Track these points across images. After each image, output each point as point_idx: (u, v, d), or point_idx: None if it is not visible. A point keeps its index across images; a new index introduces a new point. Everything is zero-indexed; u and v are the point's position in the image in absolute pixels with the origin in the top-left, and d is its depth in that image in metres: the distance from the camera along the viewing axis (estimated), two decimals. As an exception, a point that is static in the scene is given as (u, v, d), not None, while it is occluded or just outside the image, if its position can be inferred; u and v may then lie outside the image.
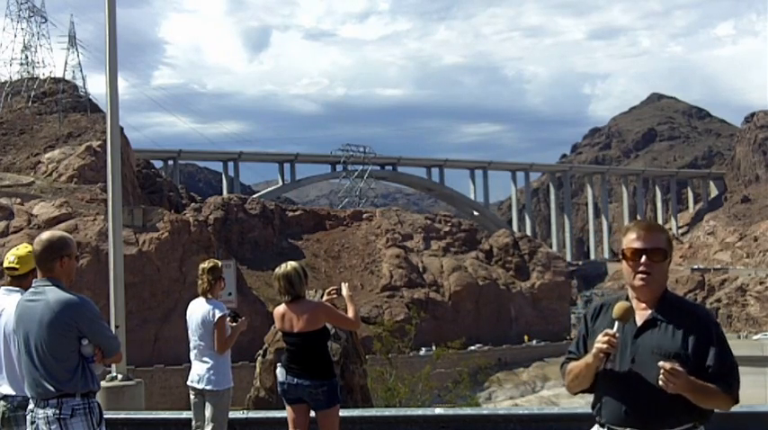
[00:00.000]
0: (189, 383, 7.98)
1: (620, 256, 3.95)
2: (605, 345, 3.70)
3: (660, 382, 3.63)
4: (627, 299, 3.93)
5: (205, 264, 8.05)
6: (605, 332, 3.74)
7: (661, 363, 3.63)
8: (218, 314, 7.76)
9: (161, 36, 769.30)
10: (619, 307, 3.78)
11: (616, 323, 3.78)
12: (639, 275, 3.82)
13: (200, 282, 7.93)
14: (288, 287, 7.05)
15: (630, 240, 3.87)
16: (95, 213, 73.28)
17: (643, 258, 3.81)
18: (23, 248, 5.94)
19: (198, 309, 7.90)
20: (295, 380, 7.05)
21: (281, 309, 7.11)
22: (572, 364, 3.95)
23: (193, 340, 7.90)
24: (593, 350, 3.75)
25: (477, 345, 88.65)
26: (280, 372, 7.12)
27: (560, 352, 59.24)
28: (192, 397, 8.01)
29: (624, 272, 3.93)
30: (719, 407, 3.79)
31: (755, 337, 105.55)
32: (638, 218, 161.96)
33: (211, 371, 7.81)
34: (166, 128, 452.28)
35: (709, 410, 3.81)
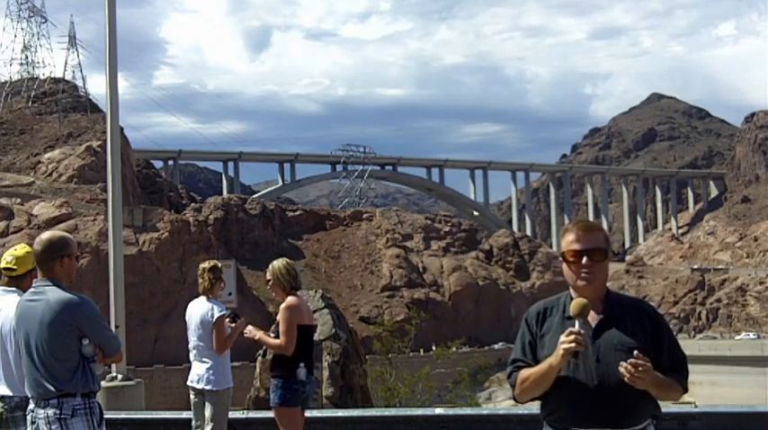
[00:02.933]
0: (188, 383, 7.98)
1: (561, 259, 3.93)
2: (573, 344, 3.62)
3: (627, 379, 3.61)
4: (570, 299, 3.90)
5: (205, 264, 8.08)
6: (569, 331, 3.66)
7: (631, 360, 3.60)
8: (217, 313, 7.76)
9: (162, 36, 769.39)
10: (577, 304, 3.73)
11: (576, 321, 3.72)
12: (582, 276, 3.82)
13: (200, 280, 7.95)
14: (296, 280, 7.13)
15: (569, 242, 3.86)
16: (95, 213, 73.26)
17: (584, 259, 3.81)
18: (21, 249, 5.92)
19: (197, 309, 7.90)
20: (311, 377, 7.08)
21: (299, 301, 7.10)
22: (528, 371, 3.82)
23: (193, 340, 7.90)
24: (559, 351, 3.65)
25: (501, 343, 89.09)
26: (302, 372, 7.05)
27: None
28: (191, 397, 8.02)
29: (566, 274, 3.91)
30: (674, 399, 3.87)
31: (738, 338, 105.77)
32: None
33: (211, 372, 7.80)
34: (167, 128, 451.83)
35: (659, 407, 3.87)
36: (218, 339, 7.75)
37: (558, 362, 3.68)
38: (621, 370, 3.61)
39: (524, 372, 3.83)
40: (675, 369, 3.81)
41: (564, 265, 3.90)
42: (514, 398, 3.97)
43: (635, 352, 3.64)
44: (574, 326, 3.76)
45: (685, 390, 3.85)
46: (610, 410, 3.71)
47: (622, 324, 3.80)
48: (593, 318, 3.83)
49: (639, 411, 3.77)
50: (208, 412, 7.81)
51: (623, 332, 3.78)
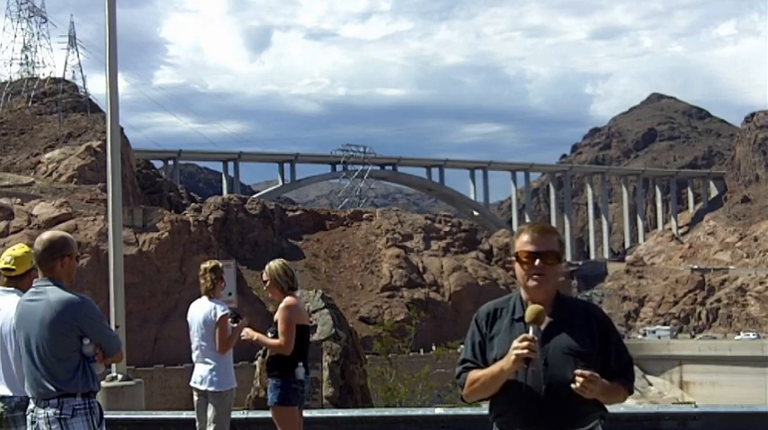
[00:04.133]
0: (191, 384, 7.98)
1: (514, 259, 3.92)
2: (526, 350, 3.61)
3: (577, 390, 3.64)
4: (520, 300, 3.90)
5: (207, 264, 8.07)
6: (523, 337, 3.66)
7: (579, 372, 3.64)
8: (219, 313, 7.76)
9: (162, 36, 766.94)
10: (532, 310, 3.73)
11: (531, 327, 3.71)
12: (534, 277, 3.82)
13: (202, 281, 7.94)
14: (293, 280, 7.19)
15: (524, 243, 3.87)
16: (95, 213, 73.28)
17: (537, 261, 3.82)
18: (20, 249, 5.91)
19: (200, 309, 7.89)
20: (308, 376, 7.13)
21: (298, 301, 7.16)
22: (477, 372, 3.81)
23: (195, 340, 7.89)
24: (511, 356, 3.65)
25: None
26: (300, 372, 7.06)
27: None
28: (195, 397, 8.01)
29: (517, 274, 3.91)
30: (620, 402, 3.90)
31: (738, 338, 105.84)
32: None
33: (214, 373, 7.79)
34: (167, 128, 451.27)
35: (606, 408, 3.90)
36: (221, 339, 7.74)
37: (510, 368, 3.68)
38: (576, 380, 3.64)
39: (474, 374, 3.82)
40: (622, 372, 3.84)
41: (516, 265, 3.90)
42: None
43: (577, 370, 3.66)
44: (522, 328, 3.76)
45: (630, 393, 3.88)
46: (557, 413, 3.73)
47: (571, 327, 3.81)
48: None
49: (586, 413, 3.79)
50: (210, 413, 7.79)
51: (572, 336, 3.79)
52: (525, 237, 3.88)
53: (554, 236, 3.91)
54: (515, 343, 3.66)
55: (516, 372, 3.71)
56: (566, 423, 3.75)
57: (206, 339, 7.79)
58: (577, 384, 3.64)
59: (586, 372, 3.64)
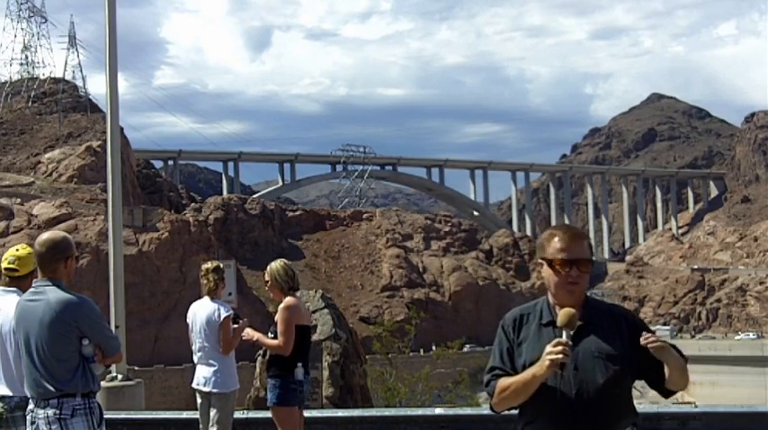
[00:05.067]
0: (195, 386, 7.93)
1: (544, 263, 3.82)
2: (560, 355, 3.51)
3: (651, 345, 3.56)
4: (548, 305, 3.83)
5: (209, 265, 8.04)
6: (557, 341, 3.56)
7: (647, 334, 3.58)
8: (223, 314, 7.74)
9: (163, 36, 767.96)
10: (565, 314, 3.64)
11: (564, 332, 3.64)
12: (569, 287, 3.74)
13: (205, 282, 7.90)
14: (293, 280, 7.19)
15: (557, 250, 3.76)
16: (95, 213, 73.28)
17: (573, 269, 3.74)
18: (23, 249, 5.88)
19: (202, 310, 7.85)
20: (308, 377, 7.12)
21: (298, 301, 7.15)
22: (507, 380, 3.71)
23: (198, 341, 7.84)
24: (545, 362, 3.54)
25: None
26: (299, 372, 7.05)
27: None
28: (198, 399, 7.97)
29: (548, 279, 3.81)
30: (683, 384, 3.72)
31: (737, 338, 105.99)
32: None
33: (218, 374, 7.77)
34: (167, 128, 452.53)
35: (638, 414, 3.80)
36: (225, 340, 7.73)
37: (543, 373, 3.58)
38: (647, 338, 3.57)
39: (504, 381, 3.72)
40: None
41: (546, 270, 3.81)
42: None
43: (643, 333, 3.61)
44: (551, 333, 3.70)
45: (686, 382, 3.75)
46: (589, 419, 3.65)
47: (600, 330, 3.74)
48: None
49: (619, 419, 3.71)
50: (213, 414, 7.77)
51: (601, 339, 3.72)
52: (559, 244, 3.77)
53: (585, 241, 3.84)
54: (548, 348, 3.56)
55: (547, 378, 3.63)
56: (600, 426, 3.65)
57: (209, 340, 7.76)
58: (649, 339, 3.56)
59: (652, 336, 3.58)
